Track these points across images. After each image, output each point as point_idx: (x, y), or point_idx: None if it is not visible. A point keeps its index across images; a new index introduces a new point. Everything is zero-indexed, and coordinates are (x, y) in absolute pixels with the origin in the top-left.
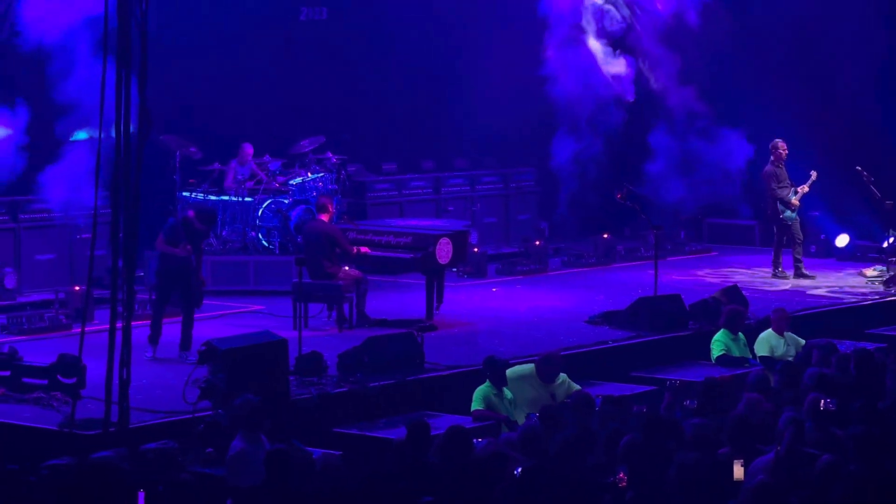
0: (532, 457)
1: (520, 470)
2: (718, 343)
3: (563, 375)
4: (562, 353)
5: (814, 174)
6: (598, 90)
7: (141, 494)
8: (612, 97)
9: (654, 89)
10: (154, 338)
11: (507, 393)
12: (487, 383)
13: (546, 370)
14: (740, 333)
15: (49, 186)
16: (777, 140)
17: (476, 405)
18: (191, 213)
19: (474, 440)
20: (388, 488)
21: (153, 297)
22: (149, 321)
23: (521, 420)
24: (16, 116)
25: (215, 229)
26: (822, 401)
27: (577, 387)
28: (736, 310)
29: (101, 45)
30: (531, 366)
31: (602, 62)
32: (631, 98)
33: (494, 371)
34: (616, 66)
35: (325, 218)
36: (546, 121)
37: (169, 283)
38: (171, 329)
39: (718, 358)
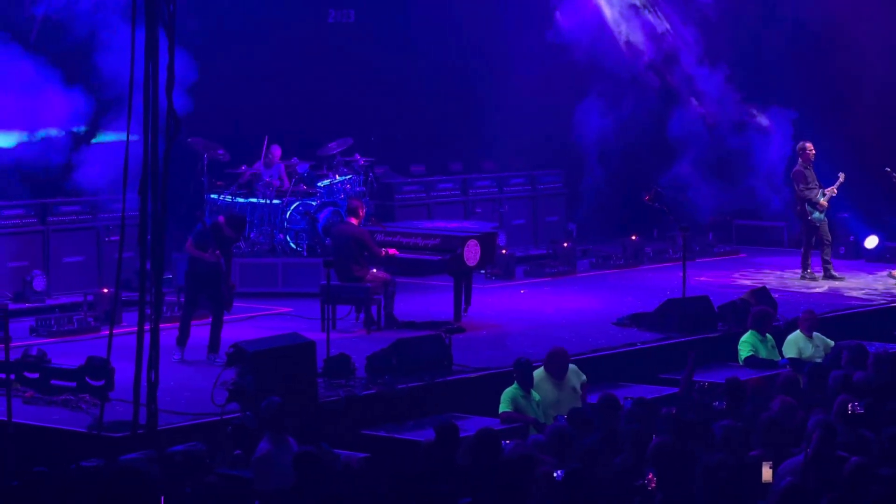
0: (561, 459)
1: (561, 473)
2: (746, 344)
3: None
4: (563, 349)
5: (842, 176)
6: (629, 86)
7: (162, 500)
8: (642, 94)
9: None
10: (182, 340)
11: (536, 395)
12: (515, 385)
13: (554, 368)
14: (768, 335)
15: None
16: (805, 142)
17: (504, 407)
18: (221, 219)
19: (503, 442)
20: (416, 490)
21: (182, 299)
22: (177, 323)
23: (549, 422)
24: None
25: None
26: (851, 404)
27: (583, 376)
28: (764, 311)
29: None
30: (541, 369)
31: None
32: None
33: (522, 373)
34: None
35: (354, 221)
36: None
37: (198, 287)
38: (200, 331)
39: (746, 359)
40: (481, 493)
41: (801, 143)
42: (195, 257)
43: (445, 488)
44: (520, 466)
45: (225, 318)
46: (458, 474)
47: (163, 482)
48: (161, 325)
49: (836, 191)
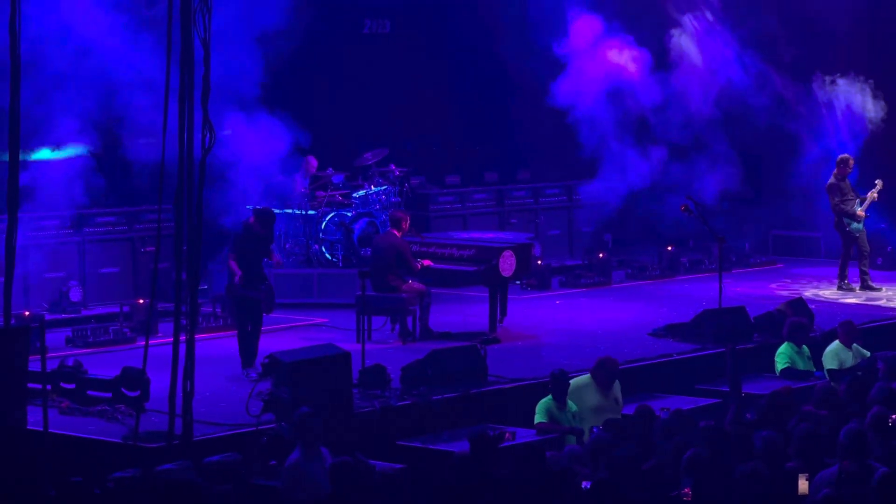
0: (601, 468)
1: (588, 484)
2: (783, 356)
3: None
4: (613, 359)
5: (879, 183)
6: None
7: None
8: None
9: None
10: (248, 359)
11: (572, 406)
12: (549, 397)
13: (602, 376)
14: (804, 346)
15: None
16: (847, 155)
17: (539, 418)
18: (251, 219)
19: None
20: (452, 501)
21: (219, 311)
22: (213, 334)
23: (587, 430)
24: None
25: (277, 237)
26: (888, 415)
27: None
28: (799, 322)
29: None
30: (587, 376)
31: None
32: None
33: (557, 386)
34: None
35: (396, 233)
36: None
37: (243, 304)
38: (233, 342)
39: (783, 371)
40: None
41: (843, 156)
42: (231, 271)
43: (481, 499)
44: (559, 479)
45: (262, 328)
46: (494, 485)
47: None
48: (196, 336)
49: (876, 195)
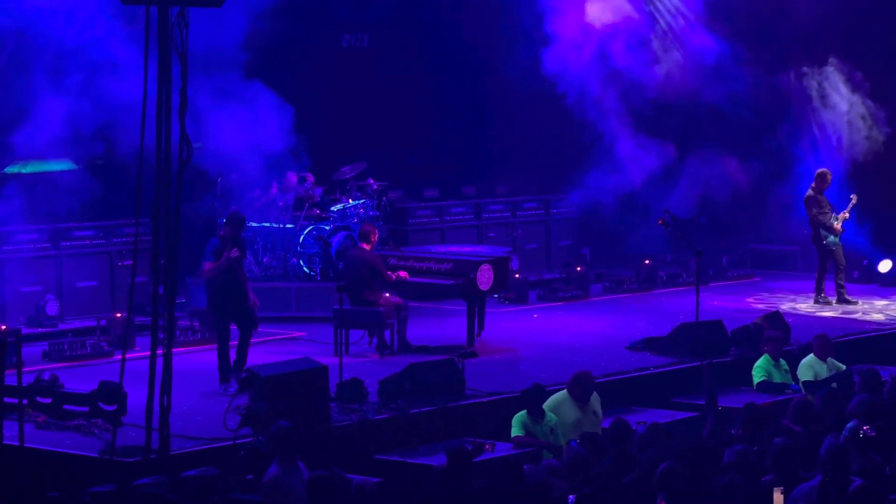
0: (579, 483)
1: (573, 498)
2: (759, 369)
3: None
4: (588, 373)
5: (854, 198)
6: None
7: None
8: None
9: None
10: (226, 374)
11: (551, 418)
12: (524, 411)
13: (578, 391)
14: (782, 360)
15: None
16: (825, 169)
17: (516, 431)
18: (222, 231)
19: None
20: None
21: (197, 325)
22: (191, 348)
23: (565, 444)
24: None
25: (255, 251)
26: (862, 428)
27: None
28: (776, 336)
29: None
30: (564, 391)
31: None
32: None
33: (532, 400)
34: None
35: (366, 246)
36: (586, 146)
37: (224, 308)
38: (214, 356)
39: (759, 384)
40: None
41: (821, 170)
42: (212, 281)
43: None
44: (536, 492)
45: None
46: (475, 500)
47: None
48: (174, 350)
49: (847, 214)
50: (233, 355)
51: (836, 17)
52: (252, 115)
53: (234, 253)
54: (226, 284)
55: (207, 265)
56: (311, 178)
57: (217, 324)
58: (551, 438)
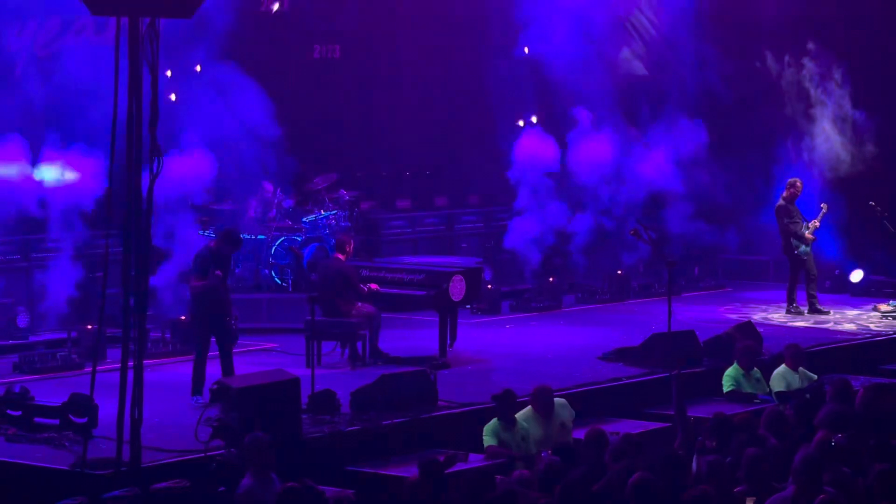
0: (550, 494)
1: None
2: (729, 378)
3: (556, 401)
4: (547, 387)
5: (824, 206)
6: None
7: None
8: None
9: None
10: (199, 387)
11: (522, 426)
12: (495, 419)
13: (539, 405)
14: (755, 369)
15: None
16: (796, 178)
17: (488, 441)
18: (211, 243)
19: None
20: None
21: (168, 337)
22: (163, 360)
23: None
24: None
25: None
26: (833, 438)
27: (572, 410)
28: (748, 346)
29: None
30: (529, 408)
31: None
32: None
33: (502, 405)
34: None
35: (341, 256)
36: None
37: (208, 322)
38: (185, 367)
39: (728, 393)
40: None
41: (791, 179)
42: (196, 294)
43: None
44: (504, 502)
45: (210, 353)
46: None
47: None
48: (145, 362)
49: (818, 223)
50: (210, 368)
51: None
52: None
53: (219, 273)
54: (208, 297)
55: (195, 282)
56: (270, 187)
57: (197, 335)
58: (523, 447)
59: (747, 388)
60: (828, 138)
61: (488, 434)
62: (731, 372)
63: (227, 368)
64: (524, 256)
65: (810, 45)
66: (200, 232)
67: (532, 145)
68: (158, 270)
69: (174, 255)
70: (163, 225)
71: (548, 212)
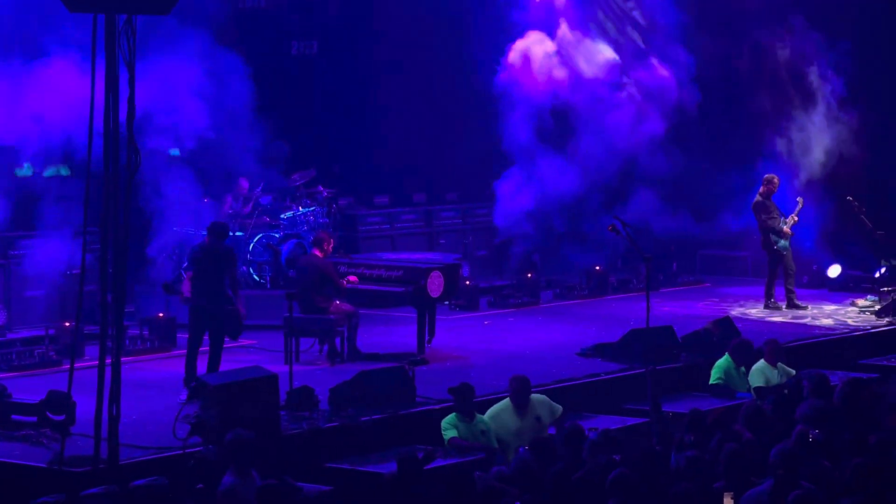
0: (526, 490)
1: None
2: (719, 369)
3: (535, 397)
4: (524, 377)
5: (800, 201)
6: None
7: None
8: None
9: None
10: (188, 379)
11: (480, 420)
12: (453, 414)
13: (514, 397)
14: (744, 368)
15: None
16: (772, 175)
17: (449, 433)
18: (206, 238)
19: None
20: None
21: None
22: (140, 357)
23: (510, 452)
24: None
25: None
26: (810, 432)
27: (558, 406)
28: (744, 342)
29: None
30: (507, 399)
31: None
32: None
33: (458, 399)
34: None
35: (318, 253)
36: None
37: (199, 320)
38: (162, 365)
39: (713, 385)
40: None
41: (768, 175)
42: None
43: None
44: (487, 500)
45: (183, 351)
46: None
47: None
48: (123, 359)
49: (796, 218)
50: (201, 363)
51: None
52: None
53: (189, 273)
54: (202, 290)
55: (186, 282)
56: (245, 184)
57: (190, 330)
58: (482, 440)
59: (735, 382)
60: (809, 136)
61: (448, 428)
62: (721, 363)
63: (213, 365)
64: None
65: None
66: (176, 228)
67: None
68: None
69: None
70: None
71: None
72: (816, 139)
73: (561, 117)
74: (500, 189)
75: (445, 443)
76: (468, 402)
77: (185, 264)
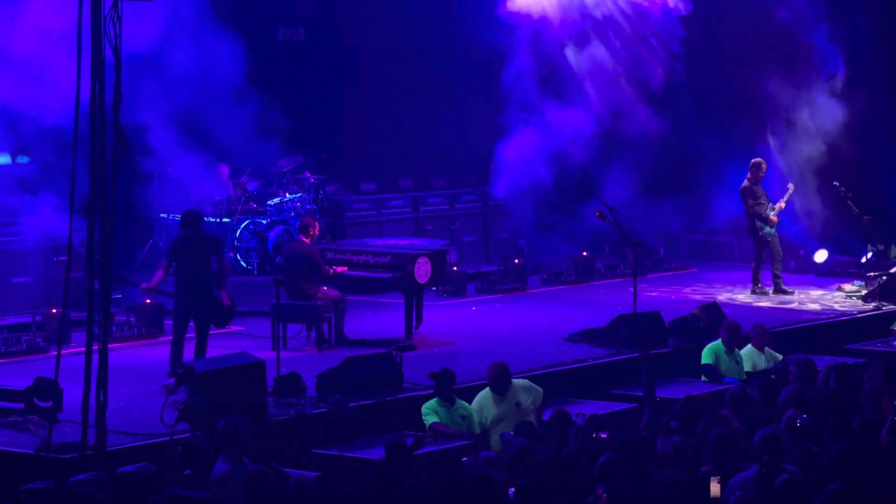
0: (520, 475)
1: (513, 490)
2: (710, 351)
3: (516, 382)
4: (501, 363)
5: (791, 187)
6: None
7: None
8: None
9: None
10: (174, 365)
11: (462, 405)
12: (434, 399)
13: (493, 384)
14: (736, 350)
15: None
16: (760, 159)
17: (430, 419)
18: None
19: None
20: None
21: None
22: (126, 343)
23: (493, 438)
24: None
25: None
26: (798, 417)
27: (538, 389)
28: (735, 324)
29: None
30: (488, 388)
31: None
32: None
33: (438, 384)
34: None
35: (305, 239)
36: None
37: (185, 312)
38: (147, 351)
39: (704, 366)
40: None
41: (756, 160)
42: (180, 274)
43: None
44: (478, 485)
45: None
46: (415, 492)
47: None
48: (110, 345)
49: (784, 204)
50: (188, 350)
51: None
52: None
53: (164, 263)
54: (186, 281)
55: (159, 272)
56: (226, 170)
57: (175, 317)
58: (463, 426)
59: (724, 366)
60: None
61: (429, 413)
62: (713, 346)
63: (200, 352)
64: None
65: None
66: (164, 215)
67: None
68: None
69: None
70: None
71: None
72: (812, 122)
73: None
74: (503, 151)
75: (427, 428)
76: (449, 388)
77: (164, 261)
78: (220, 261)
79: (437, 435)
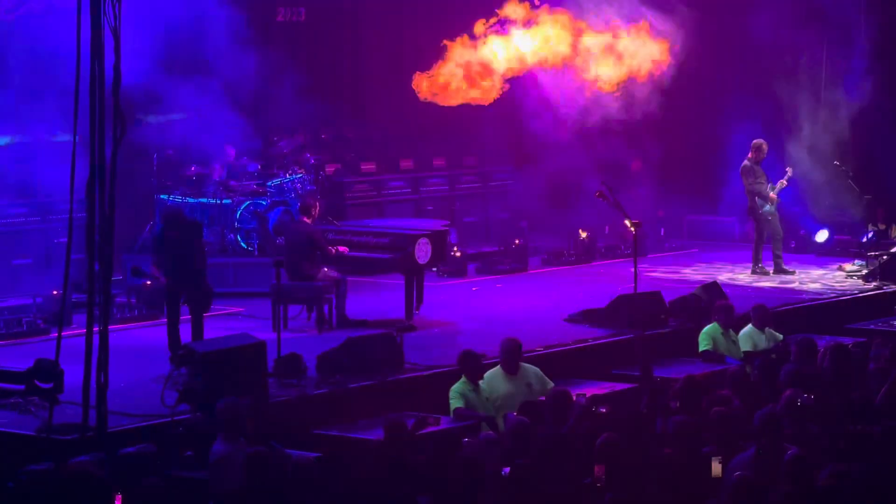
0: (517, 455)
1: (508, 470)
2: (706, 336)
3: (529, 367)
4: (515, 338)
5: (789, 170)
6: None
7: (118, 498)
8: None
9: None
10: (172, 349)
11: (484, 388)
12: (463, 379)
13: (505, 361)
14: (731, 330)
15: None
16: (761, 140)
17: (456, 403)
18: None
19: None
20: (369, 490)
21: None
22: (128, 325)
23: (499, 417)
24: None
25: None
26: (800, 396)
27: (550, 381)
28: (726, 305)
29: None
30: (498, 366)
31: None
32: None
33: (468, 365)
34: None
35: (306, 219)
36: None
37: (174, 290)
38: (148, 332)
39: (703, 352)
40: (439, 492)
41: (757, 140)
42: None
43: (403, 488)
44: (475, 464)
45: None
46: (415, 473)
47: (115, 484)
48: (111, 327)
49: (785, 182)
50: (183, 333)
51: None
52: None
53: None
54: (176, 266)
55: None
56: (232, 151)
57: (167, 302)
58: (488, 408)
59: (723, 348)
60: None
61: (455, 396)
62: (709, 330)
63: (197, 334)
64: None
65: None
66: (164, 196)
67: None
68: None
69: None
70: None
71: None
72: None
73: None
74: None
75: (451, 412)
76: (477, 369)
77: (153, 257)
78: (201, 246)
79: (462, 419)
